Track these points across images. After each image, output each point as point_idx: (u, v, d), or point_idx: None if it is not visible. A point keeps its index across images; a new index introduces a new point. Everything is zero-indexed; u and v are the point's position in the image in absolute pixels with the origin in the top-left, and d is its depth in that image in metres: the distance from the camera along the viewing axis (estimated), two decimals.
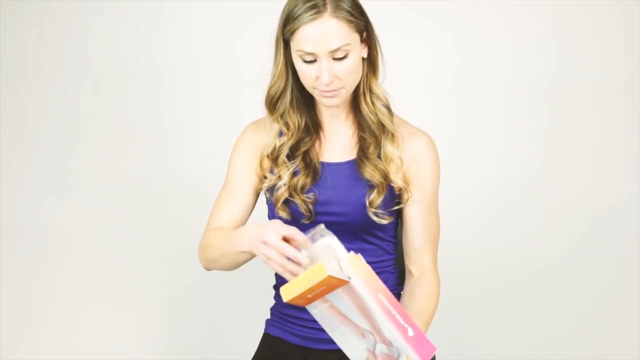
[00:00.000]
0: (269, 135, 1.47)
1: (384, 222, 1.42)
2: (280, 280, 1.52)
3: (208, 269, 1.48)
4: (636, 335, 2.44)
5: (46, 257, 2.66)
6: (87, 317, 2.56)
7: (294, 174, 1.43)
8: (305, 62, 1.33)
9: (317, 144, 1.47)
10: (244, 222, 1.49)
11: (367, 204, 1.40)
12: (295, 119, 1.44)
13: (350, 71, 1.34)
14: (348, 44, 1.32)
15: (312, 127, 1.46)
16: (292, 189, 1.41)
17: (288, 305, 1.49)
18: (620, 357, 2.40)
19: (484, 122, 2.62)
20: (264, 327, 1.58)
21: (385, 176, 1.41)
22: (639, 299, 2.51)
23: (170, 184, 2.65)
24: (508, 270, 2.55)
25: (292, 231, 1.20)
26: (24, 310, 2.59)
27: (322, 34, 1.30)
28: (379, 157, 1.42)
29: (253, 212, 1.52)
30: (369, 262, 1.44)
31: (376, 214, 1.41)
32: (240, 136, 1.52)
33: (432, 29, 2.65)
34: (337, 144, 1.47)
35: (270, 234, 1.19)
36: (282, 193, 1.42)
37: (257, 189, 1.50)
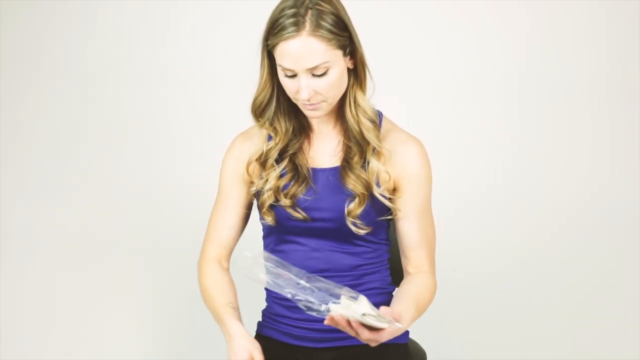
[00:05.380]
0: (256, 142, 1.48)
1: (361, 232, 1.42)
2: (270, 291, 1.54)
3: None
4: (636, 335, 2.43)
5: (43, 258, 2.66)
6: (85, 319, 2.56)
7: (281, 176, 1.44)
8: (287, 76, 1.34)
9: (306, 149, 1.48)
10: (237, 239, 1.52)
11: (346, 212, 1.41)
12: (283, 124, 1.45)
13: (330, 87, 1.35)
14: (327, 62, 1.32)
15: (300, 130, 1.47)
16: (276, 192, 1.42)
17: (279, 306, 1.51)
18: (620, 357, 2.39)
19: (484, 124, 2.60)
20: (255, 329, 1.57)
21: (368, 187, 1.41)
22: (639, 301, 2.50)
23: (170, 185, 2.63)
24: (506, 272, 2.54)
25: None
26: (22, 310, 2.59)
27: (300, 52, 1.30)
28: (363, 167, 1.42)
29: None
30: (360, 264, 1.47)
31: (354, 224, 1.41)
32: (227, 151, 1.52)
33: (436, 30, 2.62)
34: (326, 149, 1.47)
35: None
36: (268, 197, 1.43)
37: (249, 202, 1.51)
